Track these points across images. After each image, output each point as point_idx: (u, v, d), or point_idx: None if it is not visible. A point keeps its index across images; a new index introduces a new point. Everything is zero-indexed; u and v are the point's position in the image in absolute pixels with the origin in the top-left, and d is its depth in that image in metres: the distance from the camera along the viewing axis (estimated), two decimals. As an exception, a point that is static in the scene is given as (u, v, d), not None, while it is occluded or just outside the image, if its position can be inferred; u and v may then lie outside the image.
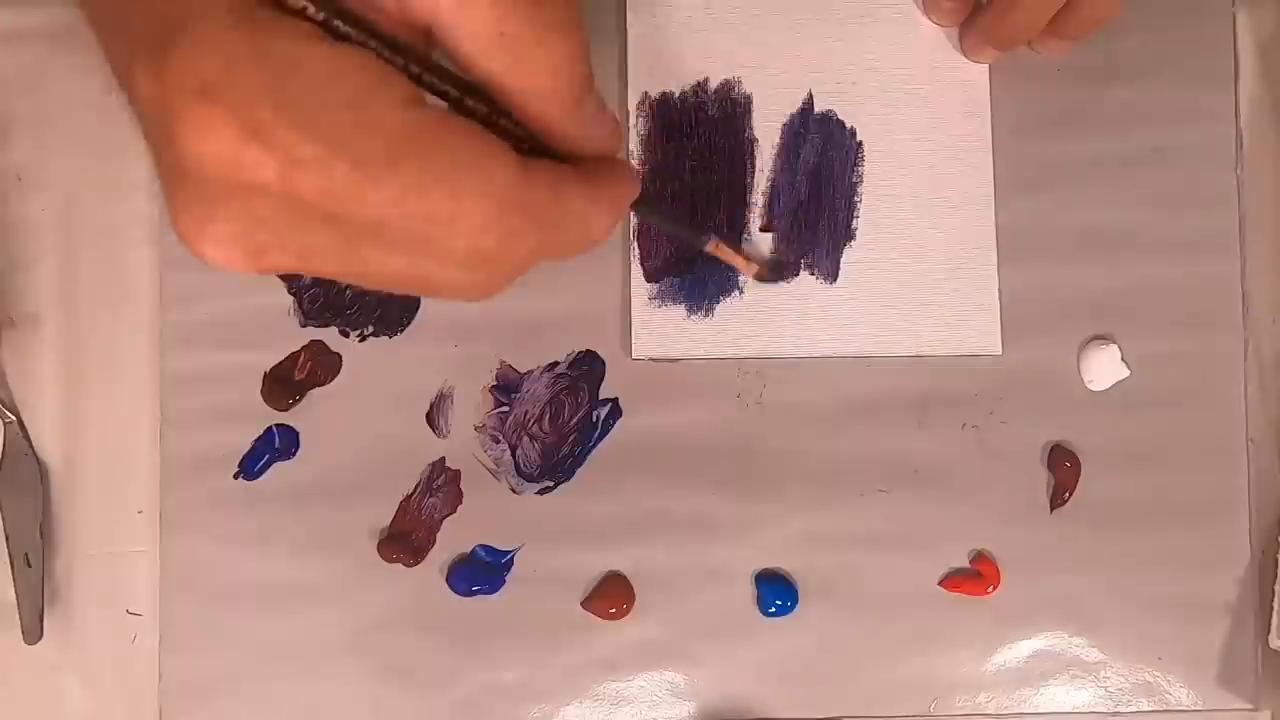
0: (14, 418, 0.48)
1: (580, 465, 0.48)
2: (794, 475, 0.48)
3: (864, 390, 0.49)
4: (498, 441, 0.48)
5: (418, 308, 0.49)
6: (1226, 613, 0.49)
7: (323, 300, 0.48)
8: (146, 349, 0.49)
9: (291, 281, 0.49)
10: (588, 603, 0.48)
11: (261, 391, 0.48)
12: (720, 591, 0.48)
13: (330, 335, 0.49)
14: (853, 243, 0.49)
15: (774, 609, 0.48)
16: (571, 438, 0.48)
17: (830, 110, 0.49)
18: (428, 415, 0.48)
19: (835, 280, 0.48)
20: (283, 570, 0.48)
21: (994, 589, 0.48)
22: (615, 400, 0.48)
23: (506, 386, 0.48)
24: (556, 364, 0.49)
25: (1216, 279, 0.50)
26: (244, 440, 0.48)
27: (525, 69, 0.31)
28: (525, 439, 0.48)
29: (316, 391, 0.48)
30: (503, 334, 0.49)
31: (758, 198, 0.49)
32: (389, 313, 0.49)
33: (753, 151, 0.49)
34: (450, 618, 0.48)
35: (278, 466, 0.48)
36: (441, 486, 0.48)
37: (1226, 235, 0.50)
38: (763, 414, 0.49)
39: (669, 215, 0.48)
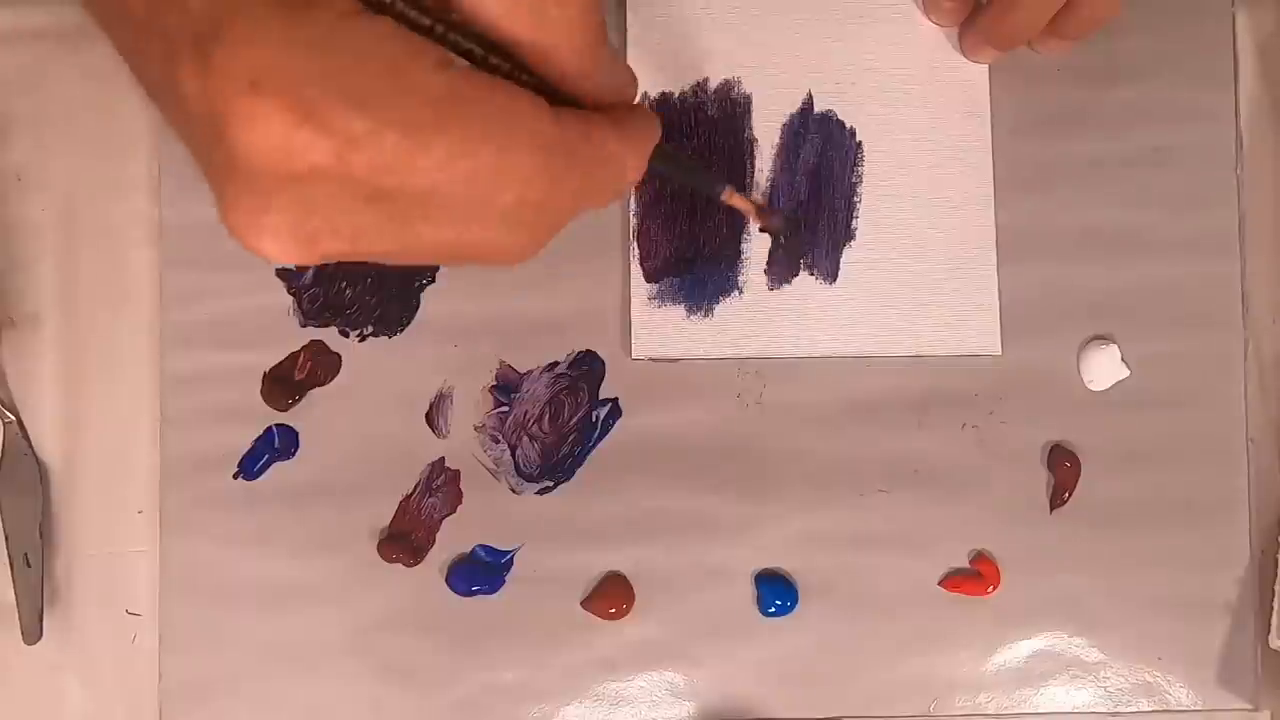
0: (14, 418, 0.48)
1: (580, 465, 0.48)
2: (794, 475, 0.48)
3: (864, 390, 0.49)
4: (497, 441, 0.48)
5: (418, 308, 0.49)
6: (1226, 613, 0.48)
7: (322, 300, 0.48)
8: (146, 349, 0.49)
9: (291, 281, 0.49)
10: (588, 603, 0.48)
11: (261, 391, 0.48)
12: (720, 591, 0.48)
13: (330, 335, 0.49)
14: (852, 243, 0.49)
15: (774, 609, 0.48)
16: (571, 438, 0.48)
17: (830, 110, 0.49)
18: (427, 415, 0.48)
19: (835, 280, 0.48)
20: (283, 570, 0.48)
21: (994, 589, 0.48)
22: (615, 400, 0.48)
23: (506, 386, 0.48)
24: (556, 364, 0.49)
25: (1216, 279, 0.50)
26: (244, 440, 0.48)
27: (545, 24, 0.31)
28: (525, 439, 0.48)
29: (316, 391, 0.48)
30: (502, 334, 0.49)
31: (757, 198, 0.49)
32: (389, 313, 0.49)
33: (752, 152, 0.49)
34: (450, 618, 0.48)
35: (277, 466, 0.48)
36: (441, 486, 0.48)
37: (1226, 235, 0.50)
38: (763, 414, 0.49)
39: (686, 163, 0.47)
